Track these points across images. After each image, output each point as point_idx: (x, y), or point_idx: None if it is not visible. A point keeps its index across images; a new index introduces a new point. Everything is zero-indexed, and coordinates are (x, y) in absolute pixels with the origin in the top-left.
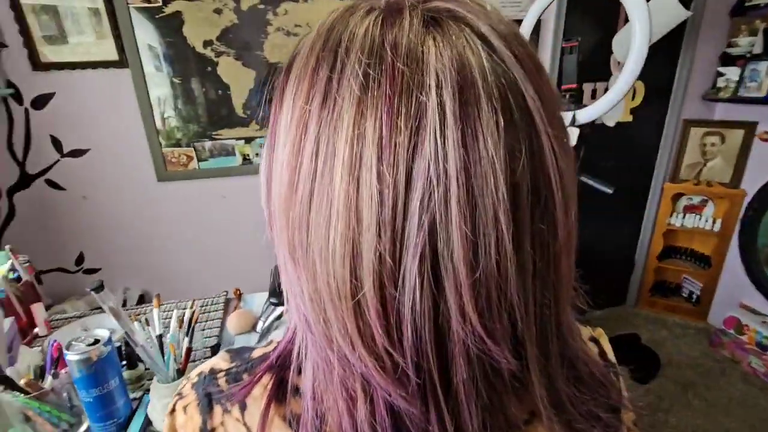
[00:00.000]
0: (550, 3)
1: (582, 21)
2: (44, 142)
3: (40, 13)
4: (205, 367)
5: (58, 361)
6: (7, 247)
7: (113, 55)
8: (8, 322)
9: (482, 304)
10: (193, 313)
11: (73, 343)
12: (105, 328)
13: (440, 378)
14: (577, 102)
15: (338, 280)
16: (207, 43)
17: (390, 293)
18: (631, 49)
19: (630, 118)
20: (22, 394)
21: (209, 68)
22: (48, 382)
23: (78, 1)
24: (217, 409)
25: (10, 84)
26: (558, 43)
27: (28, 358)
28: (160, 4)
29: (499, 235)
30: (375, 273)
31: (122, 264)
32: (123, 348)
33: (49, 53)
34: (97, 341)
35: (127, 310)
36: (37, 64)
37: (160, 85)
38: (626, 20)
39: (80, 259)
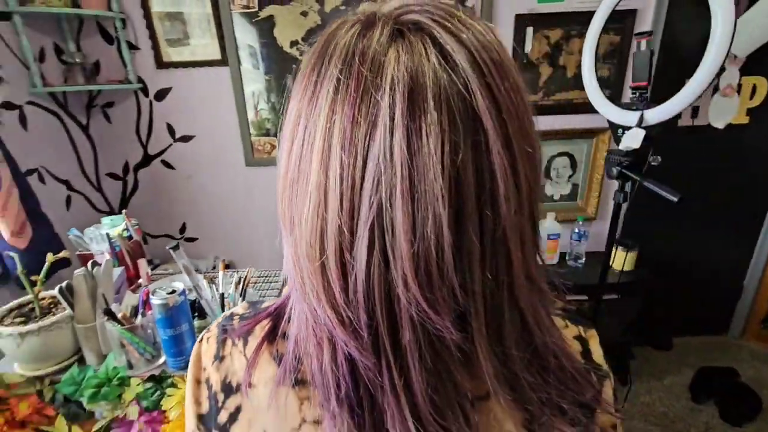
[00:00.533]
0: None
1: (688, 10)
2: (162, 128)
3: (164, 19)
4: (228, 311)
5: (146, 304)
6: (123, 211)
7: (217, 55)
8: (119, 271)
9: (422, 277)
10: (246, 277)
11: (157, 290)
12: (190, 285)
13: (389, 337)
14: (648, 102)
15: (309, 245)
16: (293, 43)
17: (347, 259)
18: (711, 41)
19: (746, 120)
20: (119, 325)
21: (294, 66)
22: (138, 319)
23: (195, 7)
24: (228, 342)
25: (139, 80)
26: (657, 36)
27: (129, 300)
28: (257, 8)
29: (436, 217)
30: (336, 241)
31: (215, 236)
32: (197, 302)
33: (172, 54)
34: (174, 291)
35: (209, 273)
36: (160, 63)
37: (255, 81)
38: (747, 6)
39: (183, 228)
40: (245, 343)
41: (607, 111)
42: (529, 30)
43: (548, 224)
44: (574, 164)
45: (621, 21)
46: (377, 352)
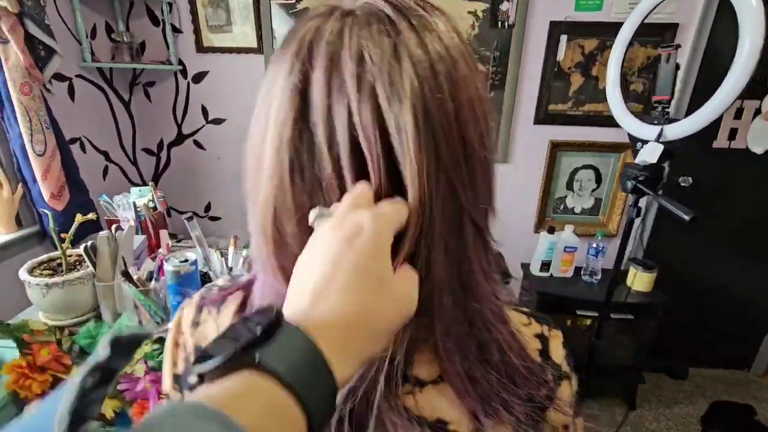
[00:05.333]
0: (658, 3)
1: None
2: (196, 109)
3: (207, 5)
4: (212, 283)
5: (161, 270)
6: (150, 183)
7: (254, 43)
8: (141, 238)
9: None
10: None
11: (172, 258)
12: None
13: None
14: (670, 117)
15: (263, 220)
16: None
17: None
18: (737, 56)
19: None
20: (135, 287)
21: None
22: (152, 284)
23: None
24: (205, 310)
25: (180, 62)
26: (699, 51)
27: (147, 267)
28: (294, 0)
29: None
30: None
31: (237, 217)
32: (208, 274)
33: (213, 39)
34: (186, 260)
35: (226, 251)
36: (200, 47)
37: None
38: None
39: (208, 207)
40: (218, 312)
41: (627, 123)
42: (563, 38)
43: (566, 236)
44: (599, 178)
45: (660, 35)
46: None
